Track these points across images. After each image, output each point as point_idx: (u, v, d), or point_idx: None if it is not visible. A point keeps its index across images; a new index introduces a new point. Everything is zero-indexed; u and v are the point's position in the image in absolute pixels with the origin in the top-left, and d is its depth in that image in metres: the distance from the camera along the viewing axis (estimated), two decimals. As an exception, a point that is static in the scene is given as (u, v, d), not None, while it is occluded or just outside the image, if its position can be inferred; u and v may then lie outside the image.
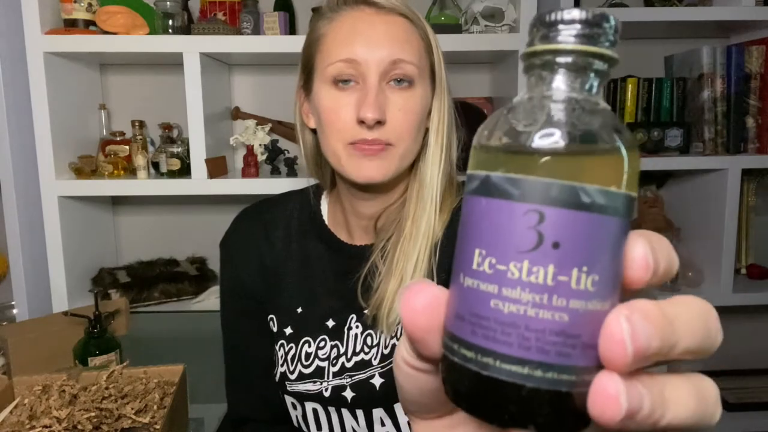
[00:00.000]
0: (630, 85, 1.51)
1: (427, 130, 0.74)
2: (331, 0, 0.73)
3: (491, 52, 1.42)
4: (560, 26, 0.21)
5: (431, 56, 0.73)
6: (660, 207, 1.63)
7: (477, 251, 0.20)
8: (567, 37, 0.21)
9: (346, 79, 0.69)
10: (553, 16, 0.21)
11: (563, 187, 0.19)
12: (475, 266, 0.20)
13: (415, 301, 0.22)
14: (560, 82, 0.21)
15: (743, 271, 1.60)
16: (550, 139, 0.19)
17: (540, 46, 0.21)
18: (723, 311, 1.84)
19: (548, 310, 0.19)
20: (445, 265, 0.72)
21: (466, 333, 0.20)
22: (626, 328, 0.18)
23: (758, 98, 1.46)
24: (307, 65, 0.75)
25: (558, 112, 0.20)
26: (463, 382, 0.21)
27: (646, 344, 0.18)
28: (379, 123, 0.68)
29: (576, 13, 0.20)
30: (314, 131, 0.78)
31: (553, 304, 0.19)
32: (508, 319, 0.19)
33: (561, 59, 0.21)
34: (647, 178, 1.69)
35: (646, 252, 0.20)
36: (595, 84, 0.21)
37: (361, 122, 0.67)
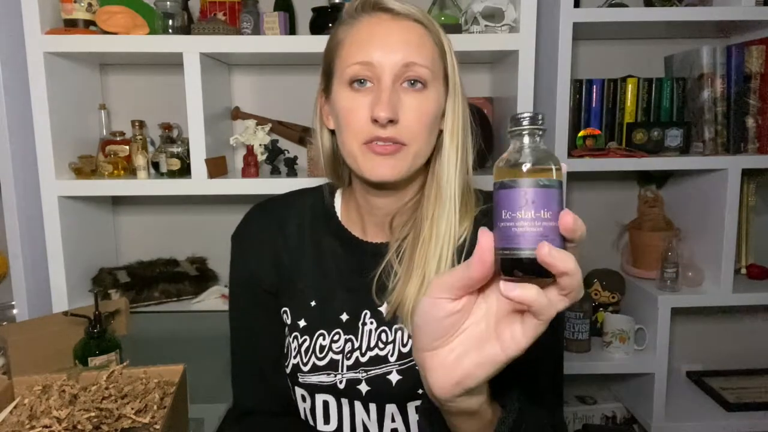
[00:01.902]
0: (630, 85, 1.51)
1: (440, 132, 0.77)
2: (350, 7, 0.76)
3: (491, 52, 1.42)
4: (523, 120, 0.46)
5: (444, 61, 0.76)
6: (660, 207, 1.63)
7: (503, 211, 0.44)
8: (526, 124, 0.46)
9: (362, 80, 0.72)
10: (519, 116, 0.46)
11: (532, 180, 0.44)
12: (503, 216, 0.44)
13: (488, 255, 0.44)
14: (525, 140, 0.46)
15: (743, 271, 1.60)
16: (526, 165, 0.45)
17: (516, 128, 0.46)
18: (723, 311, 1.85)
19: (533, 227, 0.43)
20: None
21: (504, 243, 0.44)
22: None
23: (758, 98, 1.46)
24: (327, 70, 0.78)
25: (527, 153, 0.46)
26: (503, 261, 0.44)
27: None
28: (392, 122, 0.71)
29: (527, 114, 0.46)
30: (332, 132, 0.82)
31: (535, 224, 0.43)
32: (519, 232, 0.43)
33: (525, 131, 0.46)
34: (647, 178, 1.69)
35: (571, 217, 0.43)
36: (539, 139, 0.46)
37: (375, 121, 0.70)
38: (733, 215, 1.45)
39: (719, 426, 1.53)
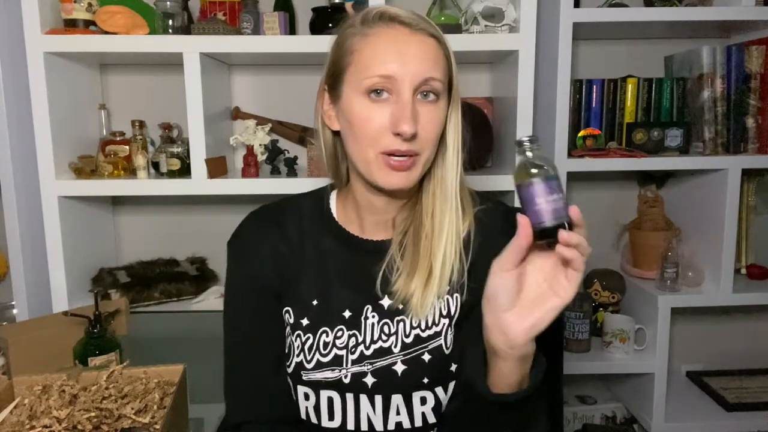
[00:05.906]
0: (630, 85, 1.51)
1: (442, 137, 0.80)
2: (365, 15, 0.78)
3: (491, 52, 1.42)
4: (523, 142, 0.66)
5: (450, 71, 0.80)
6: (660, 207, 1.63)
7: (530, 199, 0.64)
8: (526, 144, 0.66)
9: (379, 91, 0.75)
10: (521, 140, 0.67)
11: (541, 177, 0.64)
12: (531, 202, 0.64)
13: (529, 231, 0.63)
14: (528, 154, 0.66)
15: (743, 271, 1.60)
16: (533, 169, 0.65)
17: (520, 148, 0.66)
18: (723, 311, 1.85)
19: (550, 205, 0.63)
20: (479, 270, 0.75)
21: (534, 219, 0.64)
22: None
23: (758, 98, 1.46)
24: (336, 73, 0.79)
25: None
26: (535, 231, 0.64)
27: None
28: (413, 135, 0.74)
29: (525, 138, 0.67)
30: (334, 132, 0.84)
31: (550, 204, 0.63)
32: (544, 210, 0.64)
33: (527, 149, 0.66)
34: (647, 178, 1.69)
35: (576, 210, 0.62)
36: (536, 150, 0.66)
37: (397, 134, 0.74)
38: (733, 215, 1.45)
39: (719, 426, 1.53)
